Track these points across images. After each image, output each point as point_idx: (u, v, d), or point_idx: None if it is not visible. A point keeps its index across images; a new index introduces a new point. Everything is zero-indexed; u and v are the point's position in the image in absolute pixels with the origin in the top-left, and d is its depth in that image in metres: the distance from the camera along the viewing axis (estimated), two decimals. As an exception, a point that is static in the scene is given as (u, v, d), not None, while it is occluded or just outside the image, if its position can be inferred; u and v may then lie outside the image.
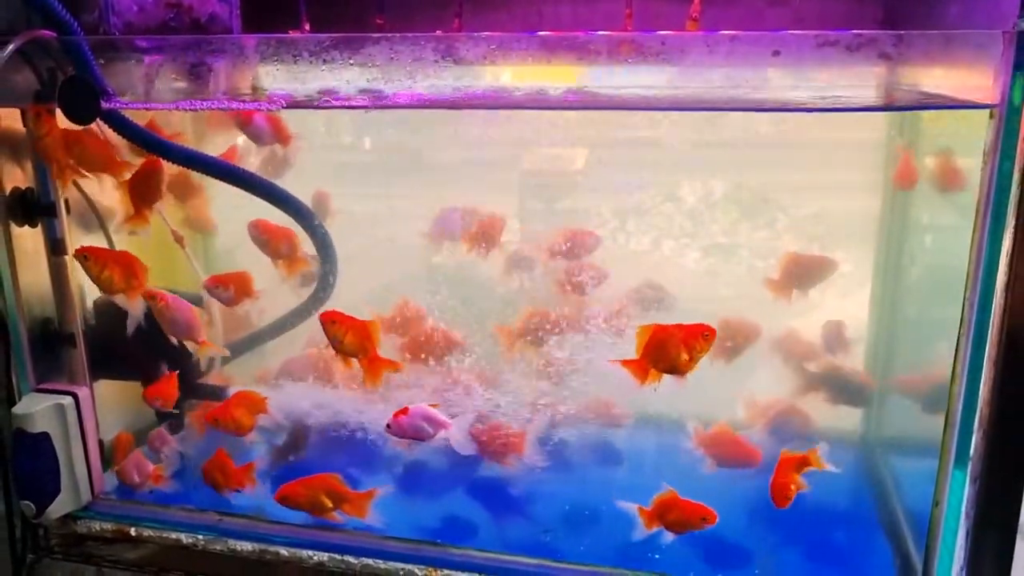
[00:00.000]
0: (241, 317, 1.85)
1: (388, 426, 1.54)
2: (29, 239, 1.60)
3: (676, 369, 1.37)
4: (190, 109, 1.44)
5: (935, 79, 1.21)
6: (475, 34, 1.29)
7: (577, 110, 1.53)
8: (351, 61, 1.34)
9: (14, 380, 1.64)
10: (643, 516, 1.48)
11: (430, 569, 1.52)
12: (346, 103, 1.42)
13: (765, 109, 1.28)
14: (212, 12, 1.56)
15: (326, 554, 1.57)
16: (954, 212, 1.46)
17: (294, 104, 1.43)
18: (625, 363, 1.39)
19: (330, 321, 1.47)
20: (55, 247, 1.61)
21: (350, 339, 1.47)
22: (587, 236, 1.81)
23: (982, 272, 1.22)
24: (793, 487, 1.42)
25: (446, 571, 1.52)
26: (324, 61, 1.36)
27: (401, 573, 1.53)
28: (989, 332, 1.23)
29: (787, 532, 1.62)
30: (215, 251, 2.06)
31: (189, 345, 1.61)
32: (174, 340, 1.67)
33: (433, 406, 1.54)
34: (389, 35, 1.33)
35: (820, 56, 1.19)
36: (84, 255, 1.55)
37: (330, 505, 1.56)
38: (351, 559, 1.56)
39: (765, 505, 1.54)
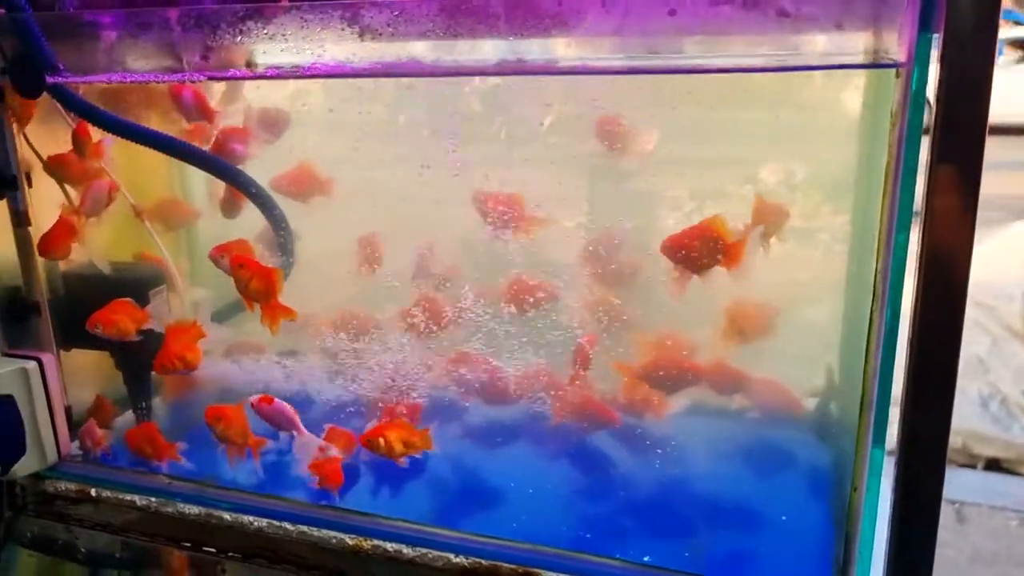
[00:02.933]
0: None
1: (251, 404, 1.59)
2: (-4, 211, 1.69)
3: None
4: (126, 82, 1.49)
5: (837, 37, 1.14)
6: (379, 0, 1.28)
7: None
8: (264, 31, 1.36)
9: (-14, 346, 1.73)
10: None
11: (360, 539, 1.54)
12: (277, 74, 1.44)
13: (657, 71, 1.23)
14: (183, -12, 1.60)
15: (265, 520, 1.60)
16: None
17: (219, 77, 1.45)
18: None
19: (238, 265, 1.52)
20: (18, 219, 1.68)
21: (255, 284, 1.51)
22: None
23: (895, 240, 1.14)
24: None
25: (375, 540, 1.53)
26: (240, 32, 1.37)
27: (333, 541, 1.55)
28: (901, 304, 1.16)
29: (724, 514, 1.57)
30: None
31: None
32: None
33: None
34: (298, 3, 1.33)
35: (716, 14, 1.14)
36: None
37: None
38: (288, 526, 1.59)
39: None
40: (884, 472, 1.25)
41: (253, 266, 1.56)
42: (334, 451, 1.62)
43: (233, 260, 1.56)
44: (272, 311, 1.54)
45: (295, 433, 1.62)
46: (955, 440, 4.29)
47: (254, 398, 1.60)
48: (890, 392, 1.19)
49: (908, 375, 1.18)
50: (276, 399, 1.61)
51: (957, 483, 4.17)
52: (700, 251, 1.43)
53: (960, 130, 1.07)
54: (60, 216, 1.70)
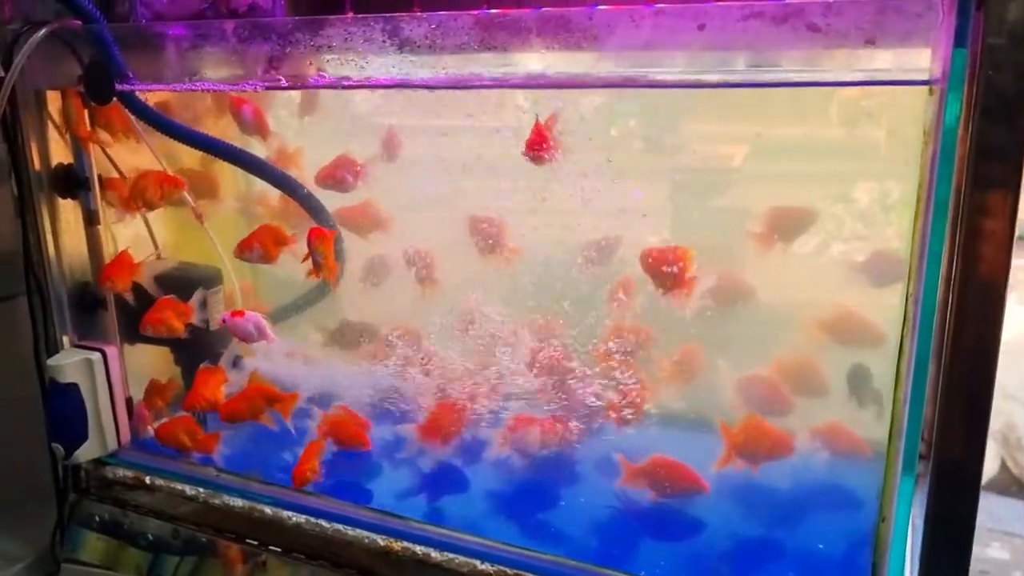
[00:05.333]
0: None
1: (223, 320, 1.70)
2: (71, 211, 1.79)
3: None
4: (188, 90, 1.57)
5: (868, 52, 1.11)
6: (417, 14, 1.32)
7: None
8: (312, 43, 1.41)
9: (59, 337, 1.83)
10: None
11: (391, 540, 1.57)
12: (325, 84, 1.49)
13: (682, 85, 1.22)
14: (252, 3, 1.67)
15: (303, 516, 1.65)
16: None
17: (273, 86, 1.51)
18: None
19: (319, 238, 1.61)
20: (90, 218, 1.79)
21: (328, 258, 1.62)
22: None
23: (926, 263, 1.10)
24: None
25: (404, 543, 1.55)
26: (289, 43, 1.43)
27: (366, 541, 1.59)
28: (933, 329, 1.12)
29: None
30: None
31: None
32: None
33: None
34: (343, 16, 1.38)
35: (745, 29, 1.12)
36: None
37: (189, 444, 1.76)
38: (324, 523, 1.63)
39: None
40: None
41: (328, 239, 1.64)
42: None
43: (312, 234, 1.62)
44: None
45: (264, 341, 1.72)
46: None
47: (226, 315, 1.71)
48: (920, 419, 1.15)
49: (941, 402, 1.14)
50: (247, 311, 1.71)
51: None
52: (662, 272, 1.48)
53: (996, 152, 1.04)
54: (122, 252, 1.79)
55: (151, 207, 1.75)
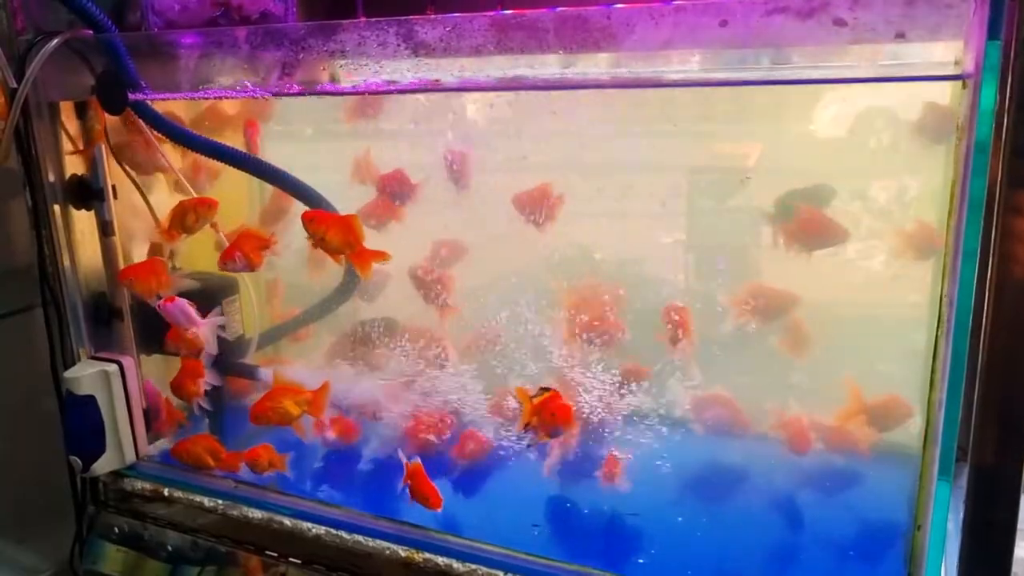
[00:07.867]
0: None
1: (160, 306, 1.68)
2: (86, 221, 1.78)
3: None
4: (200, 97, 1.55)
5: (898, 47, 1.08)
6: (431, 16, 1.29)
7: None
8: (325, 48, 1.39)
9: (75, 349, 1.82)
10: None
11: (412, 551, 1.54)
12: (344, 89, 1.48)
13: (707, 83, 1.19)
14: (264, 9, 1.65)
15: (323, 528, 1.63)
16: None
17: (280, 93, 1.49)
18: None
19: (310, 219, 1.53)
20: (105, 229, 1.77)
21: (332, 236, 1.52)
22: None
23: (961, 264, 1.07)
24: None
25: (426, 554, 1.53)
26: (302, 49, 1.41)
27: (387, 552, 1.56)
28: (968, 331, 1.08)
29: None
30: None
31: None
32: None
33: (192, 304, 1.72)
34: (356, 21, 1.36)
35: (769, 25, 1.09)
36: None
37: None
38: (344, 534, 1.60)
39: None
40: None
41: (327, 217, 1.56)
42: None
43: (304, 216, 1.56)
44: (361, 259, 1.54)
45: (193, 328, 1.71)
46: None
47: (159, 302, 1.70)
48: (956, 423, 1.11)
49: (978, 404, 1.10)
50: (177, 298, 1.70)
51: None
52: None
53: (1033, 146, 1.00)
54: (155, 259, 1.78)
55: (191, 232, 1.72)
